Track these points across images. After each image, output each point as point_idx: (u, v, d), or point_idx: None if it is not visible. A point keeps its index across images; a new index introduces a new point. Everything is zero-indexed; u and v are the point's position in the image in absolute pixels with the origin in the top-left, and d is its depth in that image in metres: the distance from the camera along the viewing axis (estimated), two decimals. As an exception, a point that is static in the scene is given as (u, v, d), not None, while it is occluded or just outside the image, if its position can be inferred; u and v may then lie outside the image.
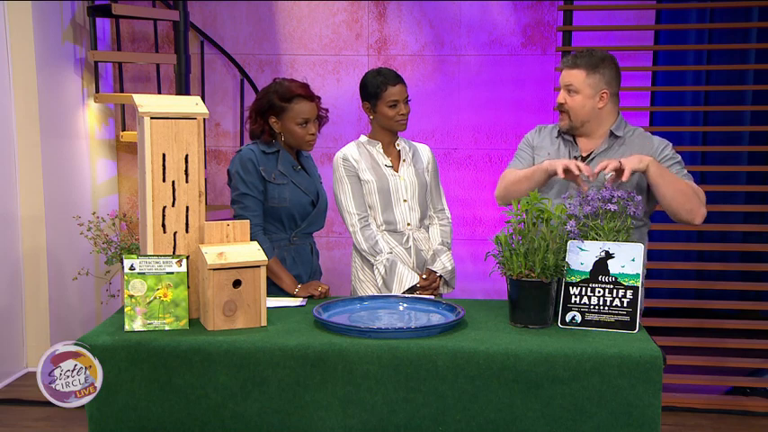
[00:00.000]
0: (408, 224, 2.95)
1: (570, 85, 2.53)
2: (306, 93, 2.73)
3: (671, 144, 2.59)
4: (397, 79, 2.88)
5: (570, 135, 2.62)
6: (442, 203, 3.08)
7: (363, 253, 2.90)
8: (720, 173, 4.73)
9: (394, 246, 2.92)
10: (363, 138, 2.99)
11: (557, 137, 2.65)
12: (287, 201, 2.73)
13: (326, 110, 2.83)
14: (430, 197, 3.03)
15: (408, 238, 2.94)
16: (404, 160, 2.97)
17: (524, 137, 2.76)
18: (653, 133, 2.66)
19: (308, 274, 2.83)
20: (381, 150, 2.95)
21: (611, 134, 2.57)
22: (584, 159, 2.58)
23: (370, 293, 2.88)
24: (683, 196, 2.40)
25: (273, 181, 2.72)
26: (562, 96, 2.56)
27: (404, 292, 2.80)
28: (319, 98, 2.81)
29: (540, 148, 2.67)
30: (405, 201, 2.93)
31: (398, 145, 2.99)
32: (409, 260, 2.93)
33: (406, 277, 2.83)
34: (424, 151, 3.07)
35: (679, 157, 2.55)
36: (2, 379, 4.03)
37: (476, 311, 2.29)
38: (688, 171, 2.53)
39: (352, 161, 2.91)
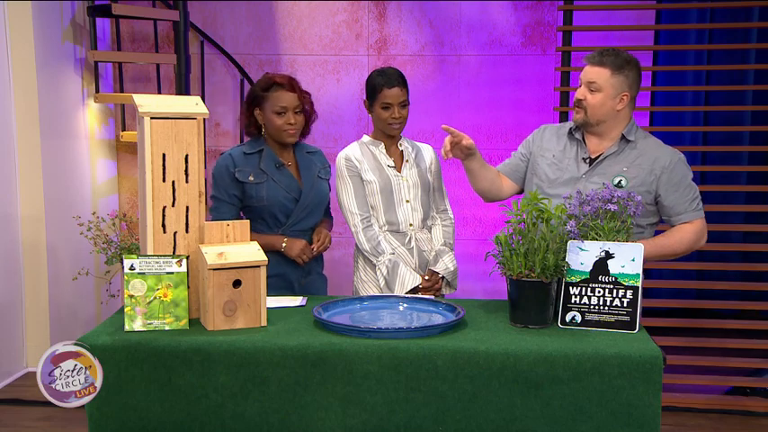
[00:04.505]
0: (411, 225, 2.94)
1: (593, 83, 2.48)
2: (285, 82, 2.75)
3: (684, 158, 2.54)
4: (396, 82, 2.83)
5: (580, 134, 2.60)
6: (445, 204, 3.07)
7: (366, 253, 2.90)
8: (720, 173, 4.73)
9: (396, 246, 2.91)
10: (366, 138, 2.98)
11: (565, 134, 2.63)
12: (264, 199, 2.75)
13: (312, 103, 2.82)
14: (433, 198, 3.02)
15: (411, 238, 2.93)
16: (407, 161, 2.96)
17: (526, 138, 2.74)
18: (652, 134, 2.65)
19: (301, 273, 2.83)
20: (384, 151, 2.94)
21: (623, 138, 2.54)
22: (592, 161, 2.55)
23: (373, 294, 2.88)
24: (687, 249, 2.54)
25: (250, 181, 2.73)
26: (582, 93, 2.51)
27: (406, 293, 2.80)
28: (308, 93, 2.81)
29: (544, 150, 2.64)
30: (407, 201, 2.93)
31: (401, 145, 2.98)
32: (411, 261, 2.92)
33: (408, 279, 2.83)
34: (428, 151, 3.06)
35: (696, 191, 2.53)
36: (2, 379, 4.03)
37: (476, 311, 2.29)
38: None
39: (355, 161, 2.91)
